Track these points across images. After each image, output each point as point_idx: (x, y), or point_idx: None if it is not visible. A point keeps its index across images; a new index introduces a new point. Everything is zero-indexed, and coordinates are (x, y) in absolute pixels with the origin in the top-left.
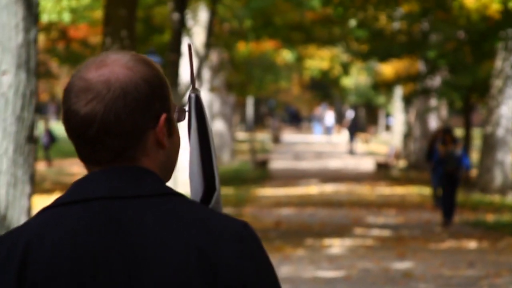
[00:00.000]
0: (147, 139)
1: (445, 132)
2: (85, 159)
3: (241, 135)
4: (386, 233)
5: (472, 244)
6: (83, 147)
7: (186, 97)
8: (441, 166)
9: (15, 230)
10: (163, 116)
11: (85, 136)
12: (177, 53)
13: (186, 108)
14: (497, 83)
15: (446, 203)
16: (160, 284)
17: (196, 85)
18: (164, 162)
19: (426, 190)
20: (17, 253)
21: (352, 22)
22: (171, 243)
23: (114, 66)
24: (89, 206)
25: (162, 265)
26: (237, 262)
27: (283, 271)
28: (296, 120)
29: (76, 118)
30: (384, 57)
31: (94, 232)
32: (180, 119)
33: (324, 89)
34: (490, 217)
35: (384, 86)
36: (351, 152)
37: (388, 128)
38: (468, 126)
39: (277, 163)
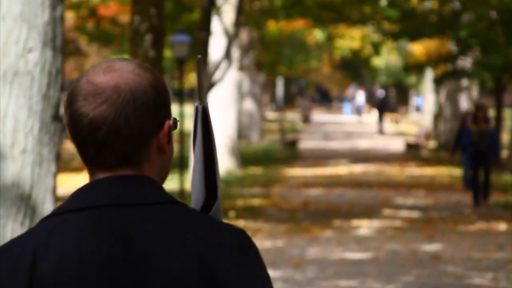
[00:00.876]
0: (151, 145)
1: (477, 109)
2: (90, 163)
3: (271, 114)
4: (415, 214)
5: (502, 226)
6: (88, 151)
7: (215, 76)
8: (473, 146)
9: (20, 238)
10: (167, 123)
11: (93, 140)
12: (207, 31)
13: (193, 118)
14: None
15: (476, 184)
16: (163, 284)
17: (204, 97)
18: (162, 168)
19: (456, 171)
20: (26, 262)
21: (383, 1)
22: (173, 251)
23: (123, 72)
24: (94, 214)
25: (165, 273)
26: (236, 271)
27: (310, 252)
28: (326, 100)
29: (85, 121)
30: (415, 37)
31: (100, 240)
32: (174, 127)
33: (355, 69)
34: None
35: (415, 68)
36: (380, 132)
37: (418, 108)
38: (499, 107)
39: (307, 143)
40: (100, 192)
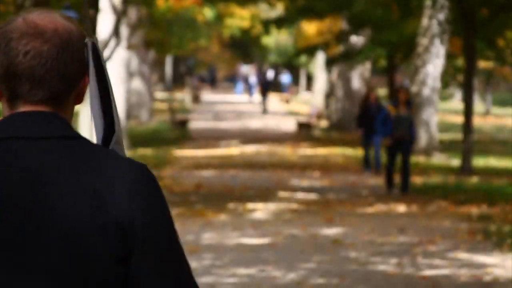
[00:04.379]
0: (75, 89)
1: (399, 91)
2: (16, 97)
3: (160, 94)
4: (311, 196)
5: (401, 208)
6: (22, 86)
7: (103, 55)
8: (388, 129)
9: None
10: (86, 74)
11: (32, 75)
12: (95, 8)
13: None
14: (423, 41)
15: (391, 169)
16: (59, 221)
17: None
18: (72, 113)
19: (349, 151)
20: None
21: None
22: (69, 183)
23: (56, 17)
24: (1, 145)
25: (58, 205)
26: (127, 200)
27: (205, 237)
28: (213, 79)
29: (27, 57)
30: (306, 16)
31: (4, 169)
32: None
33: (244, 48)
34: (417, 180)
35: (306, 51)
36: (264, 111)
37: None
38: (391, 86)
39: (197, 124)
40: (18, 125)
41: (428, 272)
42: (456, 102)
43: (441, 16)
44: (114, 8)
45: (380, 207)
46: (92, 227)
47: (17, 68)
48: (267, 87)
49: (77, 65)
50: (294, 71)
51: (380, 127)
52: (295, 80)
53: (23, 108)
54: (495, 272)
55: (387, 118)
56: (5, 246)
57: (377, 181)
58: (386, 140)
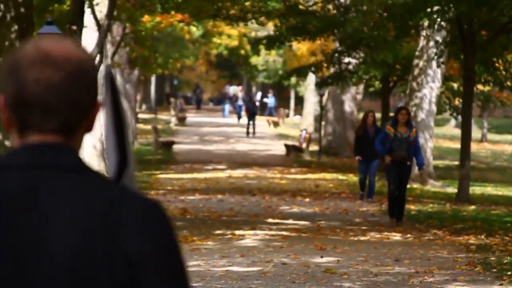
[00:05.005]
0: (87, 119)
1: (398, 111)
2: (27, 127)
3: (143, 114)
4: (302, 223)
5: (396, 237)
6: (33, 115)
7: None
8: (387, 150)
9: None
10: (99, 103)
11: (44, 104)
12: (79, 24)
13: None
14: (420, 63)
15: (394, 196)
16: (64, 248)
17: (102, 60)
18: (81, 143)
19: (341, 177)
20: None
21: None
22: (77, 213)
23: (67, 44)
24: (10, 175)
25: (66, 235)
26: (138, 234)
27: (192, 264)
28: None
29: (39, 85)
30: (297, 36)
31: (7, 200)
32: None
33: (232, 68)
34: (412, 207)
35: (296, 72)
36: (249, 134)
37: (298, 110)
38: (386, 109)
39: (182, 146)
40: (32, 155)
41: None
42: (450, 127)
43: (439, 37)
44: (98, 25)
45: (374, 235)
46: (100, 257)
47: (28, 97)
48: (254, 109)
49: (89, 94)
50: (283, 93)
51: (379, 147)
52: (285, 103)
53: (34, 138)
54: None
55: (386, 139)
56: (12, 278)
57: (369, 208)
58: (387, 158)
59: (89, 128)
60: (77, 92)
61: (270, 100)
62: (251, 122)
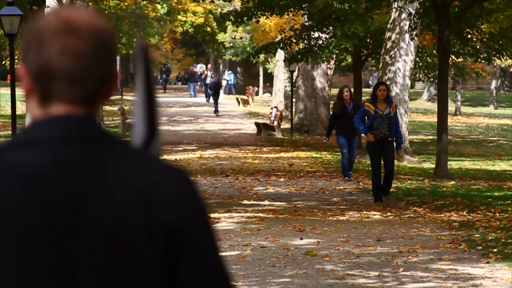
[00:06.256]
0: (108, 88)
1: (377, 86)
2: (50, 96)
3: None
4: (278, 204)
5: (375, 216)
6: (57, 85)
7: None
8: (366, 129)
9: None
10: (116, 71)
11: (69, 73)
12: (40, 5)
13: (135, 57)
14: (392, 36)
15: (378, 177)
16: (102, 220)
17: None
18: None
19: (315, 155)
20: None
21: None
22: (113, 185)
23: (88, 13)
24: (42, 149)
25: (103, 208)
26: (173, 204)
27: None
28: (165, 80)
29: (62, 55)
30: (264, 11)
31: (42, 177)
32: None
33: (198, 46)
34: None
35: (265, 49)
36: (215, 112)
37: (267, 88)
38: (358, 84)
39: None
40: (61, 127)
41: (412, 286)
42: (422, 101)
43: (411, 8)
44: (60, 4)
45: (353, 215)
46: (139, 228)
47: (53, 67)
48: (218, 86)
49: (111, 63)
50: (251, 70)
51: (359, 125)
52: (253, 80)
53: (57, 108)
54: (484, 284)
55: (366, 116)
56: (52, 245)
57: (347, 186)
58: (369, 136)
59: (107, 97)
60: (101, 61)
61: (229, 78)
62: (214, 100)
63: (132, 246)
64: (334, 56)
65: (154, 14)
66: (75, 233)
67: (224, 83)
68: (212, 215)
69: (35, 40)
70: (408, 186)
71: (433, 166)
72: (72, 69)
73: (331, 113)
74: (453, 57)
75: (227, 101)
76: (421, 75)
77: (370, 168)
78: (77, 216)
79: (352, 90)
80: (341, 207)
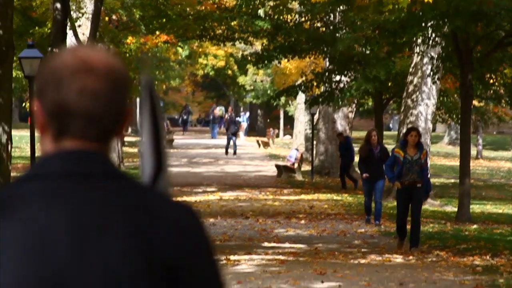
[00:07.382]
0: (121, 125)
1: (408, 131)
2: (66, 133)
3: (130, 138)
4: (299, 246)
5: (397, 259)
6: (74, 123)
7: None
8: (398, 174)
9: None
10: (129, 110)
11: (86, 112)
12: (61, 47)
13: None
14: (414, 80)
15: (403, 222)
16: (103, 258)
17: None
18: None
19: (335, 197)
20: None
21: (261, 11)
22: (115, 220)
23: (103, 52)
24: (52, 184)
25: (103, 242)
26: (173, 239)
27: None
28: (186, 121)
29: (80, 94)
30: (287, 54)
31: (48, 210)
32: None
33: (218, 89)
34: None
35: (285, 92)
36: (232, 152)
37: (288, 130)
38: (379, 127)
39: (171, 169)
40: (74, 162)
41: None
42: (443, 144)
43: (433, 53)
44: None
45: (374, 258)
46: (138, 264)
47: (72, 106)
48: (235, 128)
49: (126, 102)
50: (272, 112)
51: (389, 173)
52: (274, 122)
53: (70, 143)
54: None
55: (395, 163)
56: (51, 281)
57: (368, 229)
58: (397, 184)
59: (119, 134)
60: (117, 101)
61: (242, 119)
62: (231, 141)
63: (131, 283)
64: (355, 100)
65: (175, 57)
66: (74, 270)
67: (244, 124)
68: (232, 257)
69: (52, 78)
70: (430, 230)
71: (455, 209)
72: (91, 108)
73: (358, 156)
74: (475, 102)
75: (247, 143)
76: (442, 117)
77: (392, 211)
78: (76, 252)
79: None
80: (362, 250)
